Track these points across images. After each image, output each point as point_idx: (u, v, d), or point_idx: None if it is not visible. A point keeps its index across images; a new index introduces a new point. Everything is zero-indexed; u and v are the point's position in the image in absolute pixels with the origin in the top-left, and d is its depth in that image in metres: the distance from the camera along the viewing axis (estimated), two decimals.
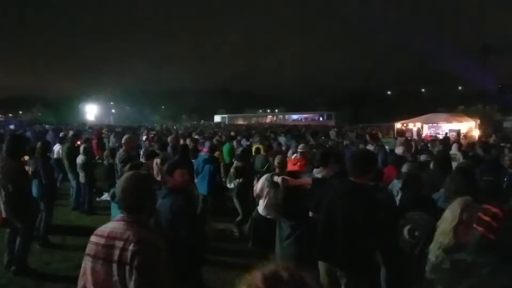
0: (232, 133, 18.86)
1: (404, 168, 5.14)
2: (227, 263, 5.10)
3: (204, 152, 7.92)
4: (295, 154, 6.89)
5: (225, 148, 9.90)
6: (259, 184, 4.96)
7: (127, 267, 1.73)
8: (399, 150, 9.28)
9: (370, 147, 10.91)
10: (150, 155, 5.19)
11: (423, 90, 74.13)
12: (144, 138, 11.77)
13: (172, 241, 2.14)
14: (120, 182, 1.96)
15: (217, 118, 73.83)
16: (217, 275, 4.58)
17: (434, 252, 2.38)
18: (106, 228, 1.90)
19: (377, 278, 3.76)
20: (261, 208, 5.00)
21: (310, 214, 3.70)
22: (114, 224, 1.89)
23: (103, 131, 16.97)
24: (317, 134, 17.98)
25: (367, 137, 15.23)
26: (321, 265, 3.27)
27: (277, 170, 4.96)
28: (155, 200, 2.00)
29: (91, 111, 65.63)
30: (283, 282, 0.89)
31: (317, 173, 5.18)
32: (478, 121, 20.75)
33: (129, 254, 1.74)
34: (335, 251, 3.10)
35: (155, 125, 37.71)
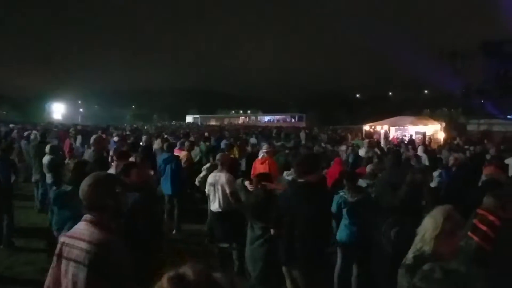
0: (206, 134, 18.78)
1: (368, 168, 5.25)
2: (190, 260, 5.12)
3: (177, 152, 7.84)
4: (262, 154, 7.08)
5: (201, 148, 9.92)
6: (207, 184, 5.19)
7: (81, 266, 1.78)
8: (364, 151, 9.58)
9: (343, 148, 11.17)
10: (122, 155, 5.07)
11: (390, 93, 76.15)
12: (115, 139, 11.49)
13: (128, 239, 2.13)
14: (82, 183, 1.99)
15: (189, 119, 73.29)
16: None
17: (411, 255, 2.35)
18: (75, 228, 1.96)
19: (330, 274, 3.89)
20: (212, 205, 5.20)
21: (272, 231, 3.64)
22: (79, 223, 1.94)
23: (70, 131, 16.44)
24: (289, 135, 18.17)
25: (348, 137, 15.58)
26: (284, 269, 3.37)
27: (219, 167, 5.20)
28: (119, 200, 2.00)
29: (58, 110, 63.70)
30: (189, 283, 0.88)
31: (287, 175, 5.29)
32: (443, 124, 21.51)
33: (83, 253, 1.79)
34: (294, 253, 3.20)
35: (125, 125, 36.94)
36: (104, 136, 9.91)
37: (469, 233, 1.85)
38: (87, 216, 1.93)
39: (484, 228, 1.81)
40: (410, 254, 2.36)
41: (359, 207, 4.21)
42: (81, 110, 72.06)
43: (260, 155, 7.25)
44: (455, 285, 1.77)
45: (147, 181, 3.87)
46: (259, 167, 6.57)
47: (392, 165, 6.15)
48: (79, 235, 1.87)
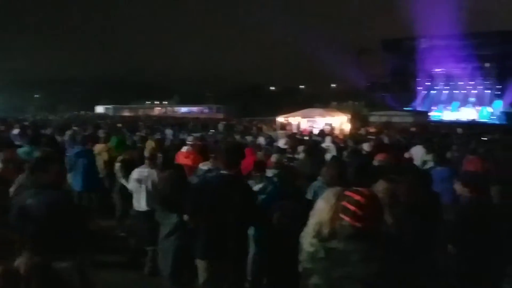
0: (119, 125, 18.04)
1: (273, 158, 5.42)
2: (110, 262, 5.01)
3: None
4: (185, 147, 6.91)
5: (113, 141, 9.44)
6: (131, 181, 4.99)
7: None
8: (281, 142, 10.05)
9: (261, 139, 11.51)
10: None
11: (302, 86, 79.66)
12: (15, 131, 10.51)
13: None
14: None
15: (100, 109, 69.12)
16: (98, 274, 4.50)
17: (308, 241, 2.42)
18: None
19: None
20: (137, 203, 4.97)
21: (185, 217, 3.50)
22: None
23: None
24: (207, 127, 18.24)
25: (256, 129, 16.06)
26: (202, 263, 3.32)
27: (147, 162, 5.02)
28: None
29: None
30: (19, 277, 0.87)
31: (203, 165, 5.31)
32: (349, 116, 23.19)
33: None
34: (224, 245, 3.22)
35: (27, 115, 33.80)
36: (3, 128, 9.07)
37: (340, 214, 1.97)
38: None
39: (352, 208, 1.93)
40: (308, 239, 2.44)
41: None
42: None
43: (184, 148, 7.02)
44: (335, 261, 1.93)
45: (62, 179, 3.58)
46: (182, 161, 6.23)
47: (306, 155, 6.61)
48: None
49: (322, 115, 21.12)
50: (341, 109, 26.99)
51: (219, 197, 3.23)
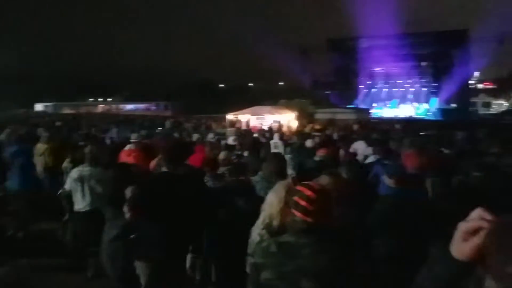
0: (58, 123, 17.15)
1: (222, 155, 5.45)
2: (51, 265, 4.85)
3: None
4: (129, 145, 6.73)
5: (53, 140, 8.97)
6: (70, 180, 4.78)
7: None
8: (230, 139, 10.11)
9: (210, 136, 11.52)
10: None
11: (251, 84, 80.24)
12: None
13: None
14: None
15: (39, 107, 65.24)
16: (37, 276, 4.34)
17: (256, 232, 2.53)
18: None
19: None
20: (77, 203, 4.79)
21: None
22: None
23: None
24: (154, 124, 17.87)
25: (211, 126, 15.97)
26: (147, 263, 3.26)
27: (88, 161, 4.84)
28: None
29: None
30: None
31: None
32: (297, 113, 23.72)
33: None
34: (171, 245, 3.17)
35: None
36: None
37: (292, 210, 2.01)
38: None
39: (303, 203, 1.95)
40: (257, 230, 2.53)
41: None
42: None
43: (127, 146, 6.81)
44: (287, 254, 1.96)
45: None
46: (125, 159, 5.86)
47: (251, 152, 6.73)
48: None
49: (271, 112, 21.44)
50: (289, 106, 27.52)
51: (162, 195, 3.15)
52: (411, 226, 3.34)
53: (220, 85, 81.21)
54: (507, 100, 54.81)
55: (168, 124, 18.88)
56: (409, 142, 9.29)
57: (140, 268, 3.30)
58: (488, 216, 0.93)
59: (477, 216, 0.95)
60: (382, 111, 40.82)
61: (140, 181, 3.48)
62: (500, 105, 54.12)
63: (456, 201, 4.02)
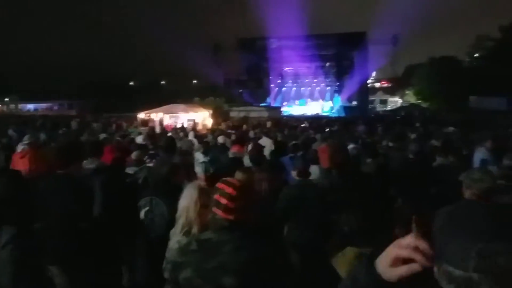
0: None
1: (134, 156, 5.39)
2: None
3: None
4: (22, 147, 6.25)
5: None
6: None
7: None
8: (139, 139, 9.89)
9: (139, 139, 10.88)
10: None
11: (163, 82, 78.22)
12: None
13: None
14: None
15: None
16: None
17: (176, 239, 2.50)
18: None
19: None
20: None
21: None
22: None
23: None
24: (57, 125, 16.58)
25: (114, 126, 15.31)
26: (53, 268, 3.02)
27: None
28: None
29: None
30: None
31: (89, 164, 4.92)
32: (211, 111, 23.84)
33: None
34: (65, 251, 3.01)
35: None
36: None
37: (213, 208, 2.01)
38: None
39: (224, 201, 1.96)
40: (177, 237, 2.48)
41: None
42: None
43: (19, 147, 6.30)
44: (208, 252, 1.94)
45: None
46: (18, 162, 5.63)
47: (165, 150, 6.67)
48: None
49: (185, 111, 21.28)
50: (203, 104, 27.55)
51: (50, 199, 2.99)
52: (311, 215, 3.68)
53: (130, 83, 77.74)
54: (401, 97, 60.80)
55: (74, 124, 17.73)
56: (321, 137, 10.07)
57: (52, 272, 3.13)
58: (422, 246, 0.84)
59: (410, 246, 0.86)
60: (292, 109, 42.69)
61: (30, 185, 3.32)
62: (395, 102, 60.07)
63: (352, 189, 4.48)
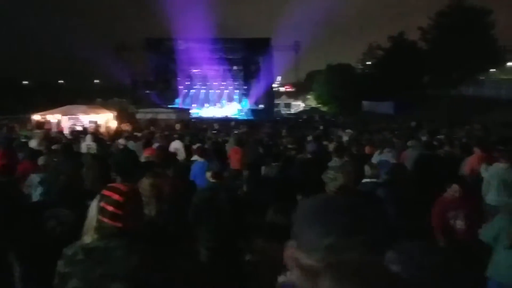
0: None
1: (41, 161, 5.16)
2: None
3: None
4: None
5: None
6: None
7: None
8: (34, 143, 9.18)
9: (33, 143, 9.84)
10: None
11: (61, 81, 72.33)
12: None
13: None
14: None
15: None
16: None
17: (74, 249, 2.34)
18: None
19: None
20: None
21: None
22: None
23: None
24: None
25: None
26: None
27: None
28: None
29: None
30: None
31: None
32: (116, 113, 22.75)
33: None
34: None
35: None
36: None
37: (99, 216, 1.94)
38: None
39: (110, 208, 1.91)
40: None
41: None
42: None
43: None
44: (95, 260, 1.87)
45: None
46: None
47: (63, 155, 6.33)
48: None
49: (86, 112, 20.03)
50: (106, 106, 26.05)
51: None
52: (224, 216, 3.89)
53: (24, 82, 70.25)
54: (303, 101, 64.41)
55: None
56: (234, 140, 10.36)
57: None
58: (295, 255, 0.98)
59: (288, 255, 1.01)
60: (201, 111, 42.67)
61: None
62: (298, 105, 63.44)
63: (260, 190, 4.82)
